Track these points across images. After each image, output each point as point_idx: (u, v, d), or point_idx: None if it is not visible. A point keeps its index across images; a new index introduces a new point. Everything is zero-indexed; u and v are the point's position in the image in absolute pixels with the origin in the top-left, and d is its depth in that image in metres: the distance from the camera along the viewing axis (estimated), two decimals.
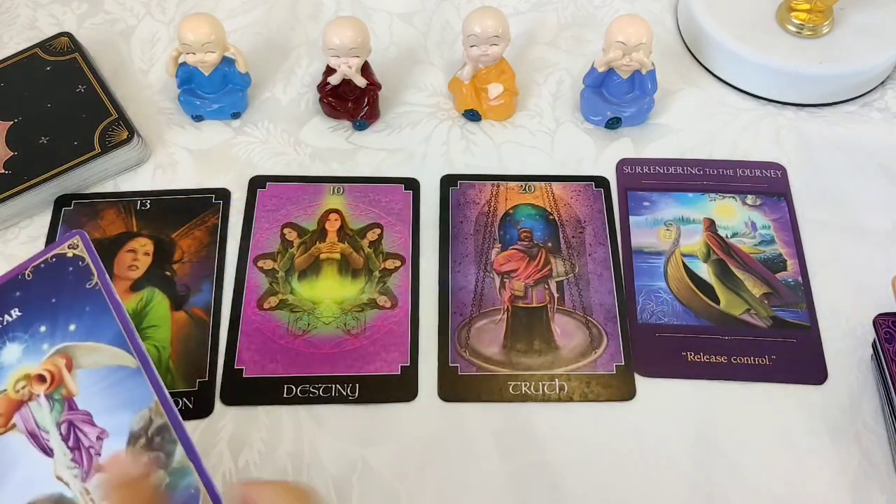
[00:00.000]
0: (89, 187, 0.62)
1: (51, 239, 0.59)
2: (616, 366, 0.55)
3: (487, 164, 0.64)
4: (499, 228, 0.61)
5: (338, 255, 0.59)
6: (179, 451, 0.38)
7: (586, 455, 0.52)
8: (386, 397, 0.54)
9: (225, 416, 0.53)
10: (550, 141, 0.66)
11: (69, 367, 0.41)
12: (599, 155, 0.65)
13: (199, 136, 0.65)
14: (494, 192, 0.62)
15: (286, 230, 0.60)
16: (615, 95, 0.65)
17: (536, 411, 0.53)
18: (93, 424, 0.40)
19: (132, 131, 0.62)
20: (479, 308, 0.57)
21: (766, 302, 0.58)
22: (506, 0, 0.74)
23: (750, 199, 0.62)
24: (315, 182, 0.63)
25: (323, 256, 0.59)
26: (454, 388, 0.54)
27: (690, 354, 0.55)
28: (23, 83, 0.65)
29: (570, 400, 0.54)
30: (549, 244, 0.60)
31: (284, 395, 0.53)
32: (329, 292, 0.58)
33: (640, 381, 0.55)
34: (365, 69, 0.63)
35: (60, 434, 0.40)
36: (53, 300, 0.42)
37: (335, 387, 0.54)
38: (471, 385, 0.54)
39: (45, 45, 0.67)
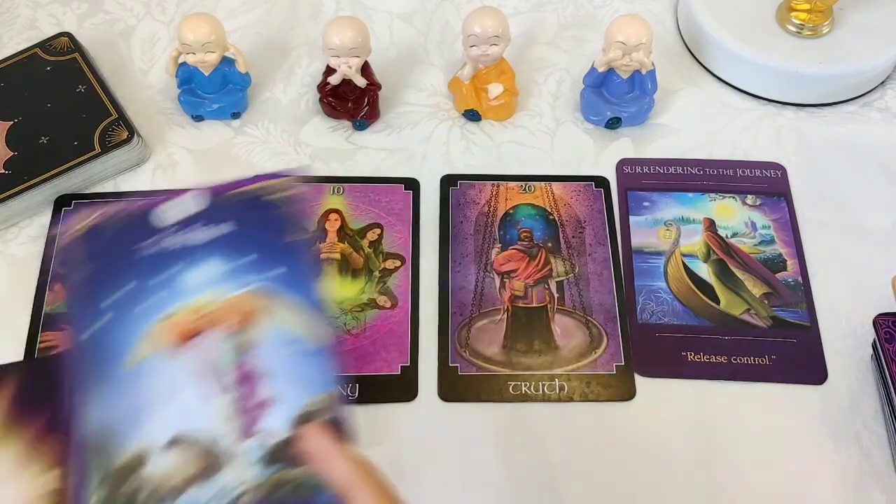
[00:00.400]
0: (89, 187, 0.62)
1: (51, 239, 0.59)
2: (616, 366, 0.55)
3: (487, 164, 0.64)
4: (499, 228, 0.61)
5: (338, 255, 0.59)
6: None
7: (586, 455, 0.52)
8: (386, 397, 0.54)
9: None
10: (550, 141, 0.66)
11: (263, 313, 0.37)
12: (599, 155, 0.65)
13: (199, 136, 0.65)
14: (494, 192, 0.62)
15: None
16: (615, 95, 0.65)
17: (536, 411, 0.53)
18: (266, 385, 0.36)
19: (132, 131, 0.62)
20: (479, 308, 0.57)
21: (766, 302, 0.58)
22: (506, 0, 0.74)
23: (750, 199, 0.62)
24: (315, 182, 0.63)
25: (323, 256, 0.59)
26: (454, 388, 0.54)
27: (690, 354, 0.55)
28: (23, 83, 0.65)
29: (570, 400, 0.54)
30: (549, 244, 0.60)
31: None
32: (329, 292, 0.58)
33: (640, 381, 0.55)
34: (365, 69, 0.63)
35: (233, 379, 0.36)
36: (270, 233, 0.38)
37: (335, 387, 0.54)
38: (471, 385, 0.54)
39: (45, 45, 0.67)
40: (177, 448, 0.35)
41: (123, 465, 0.35)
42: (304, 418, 0.36)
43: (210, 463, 0.35)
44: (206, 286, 0.37)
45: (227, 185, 0.38)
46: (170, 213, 0.38)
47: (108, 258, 0.38)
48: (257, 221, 0.38)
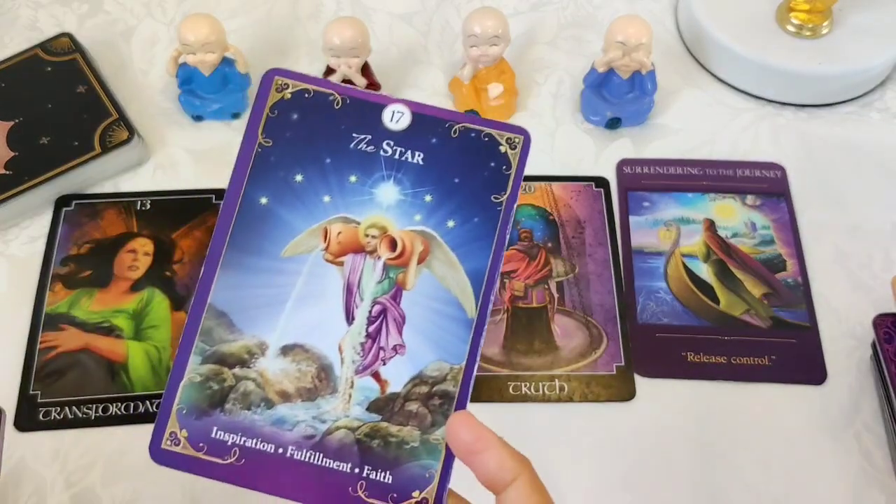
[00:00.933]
0: (90, 187, 0.62)
1: (51, 239, 0.59)
2: (616, 366, 0.55)
3: None
4: None
5: None
6: (444, 430, 0.34)
7: (587, 455, 0.52)
8: None
9: None
10: (550, 141, 0.66)
11: (421, 259, 0.36)
12: (599, 155, 0.65)
13: (199, 136, 0.65)
14: None
15: None
16: (615, 95, 0.65)
17: (536, 411, 0.54)
18: (400, 331, 0.35)
19: (132, 131, 0.62)
20: None
21: (765, 302, 0.58)
22: (506, 0, 0.74)
23: (750, 199, 0.62)
24: None
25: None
26: None
27: (690, 354, 0.55)
28: (23, 84, 0.65)
29: (570, 400, 0.54)
30: (549, 244, 0.60)
31: None
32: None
33: (640, 382, 0.55)
34: (365, 69, 0.63)
35: (370, 312, 0.35)
36: (457, 179, 0.36)
37: None
38: None
39: (45, 45, 0.67)
40: (291, 356, 0.35)
41: (235, 351, 0.35)
42: (423, 381, 0.35)
43: (317, 385, 0.35)
44: (374, 209, 0.36)
45: (426, 109, 0.37)
46: (388, 116, 0.37)
47: (321, 131, 0.37)
48: (451, 159, 0.36)
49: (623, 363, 0.55)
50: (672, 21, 0.74)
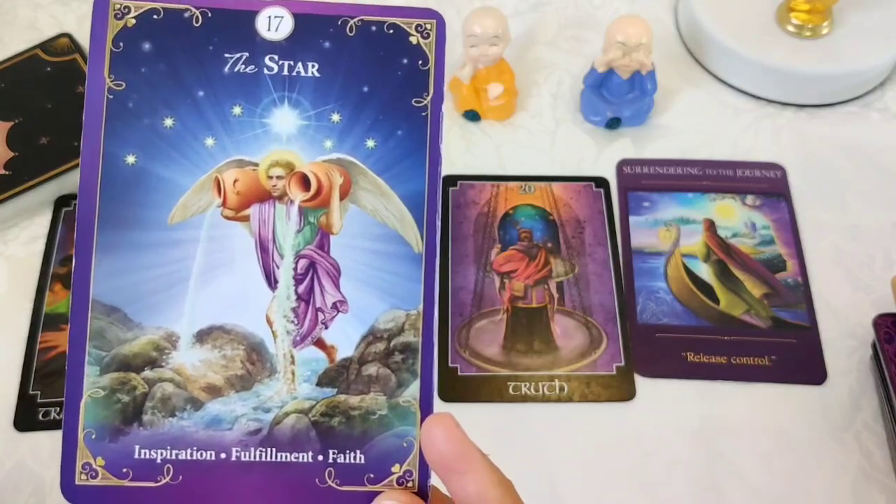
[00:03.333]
0: None
1: (51, 239, 0.59)
2: (616, 366, 0.55)
3: (487, 164, 0.64)
4: (498, 229, 0.61)
5: None
6: (413, 389, 0.29)
7: (586, 455, 0.52)
8: None
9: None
10: (550, 141, 0.66)
11: (343, 193, 0.29)
12: (599, 155, 0.65)
13: None
14: (494, 193, 0.62)
15: None
16: (615, 96, 0.65)
17: (536, 411, 0.53)
18: (336, 285, 0.29)
19: None
20: (478, 308, 0.57)
21: (765, 302, 0.58)
22: (506, 0, 0.74)
23: (750, 199, 0.62)
24: None
25: None
26: (454, 388, 0.54)
27: (690, 355, 0.55)
28: (23, 84, 0.65)
29: (570, 400, 0.54)
30: (549, 244, 0.60)
31: None
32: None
33: (640, 382, 0.55)
34: None
35: (295, 269, 0.29)
36: (365, 89, 0.30)
37: None
38: (471, 385, 0.54)
39: (45, 45, 0.67)
40: (210, 342, 0.29)
41: (138, 350, 0.29)
42: (377, 337, 0.29)
43: (250, 370, 0.29)
44: (272, 143, 0.29)
45: (314, 8, 0.30)
46: (262, 23, 0.29)
47: (183, 58, 0.29)
48: (354, 67, 0.30)
49: (623, 363, 0.55)
50: (672, 21, 0.74)
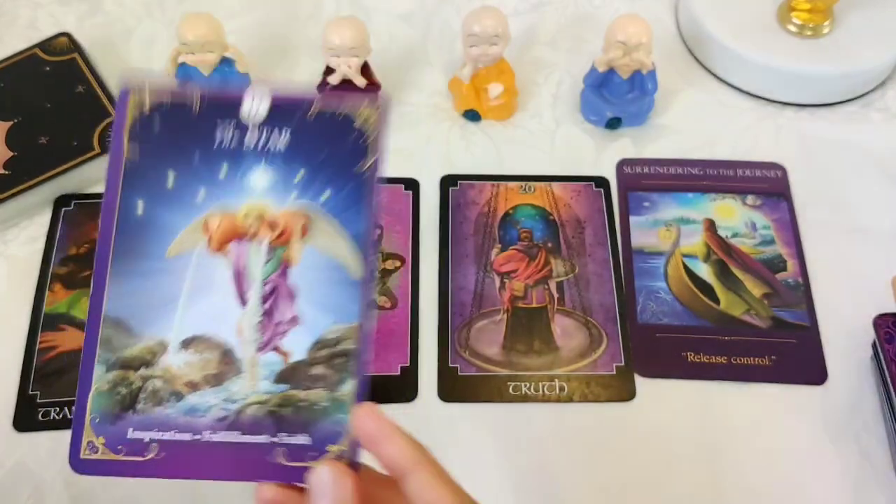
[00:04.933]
0: (89, 187, 0.62)
1: (51, 239, 0.59)
2: (616, 366, 0.55)
3: (487, 164, 0.64)
4: (499, 228, 0.61)
5: None
6: (350, 386, 0.36)
7: (586, 455, 0.52)
8: (386, 398, 0.54)
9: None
10: (550, 141, 0.66)
11: (303, 233, 0.37)
12: (599, 155, 0.65)
13: None
14: (494, 193, 0.62)
15: None
16: (615, 95, 0.65)
17: (536, 412, 0.53)
18: (293, 303, 0.37)
19: None
20: (478, 308, 0.57)
21: (766, 302, 0.57)
22: (506, 0, 0.74)
23: (750, 199, 0.62)
24: None
25: None
26: (454, 388, 0.54)
27: (690, 355, 0.55)
28: (22, 83, 0.65)
29: (570, 400, 0.54)
30: (549, 244, 0.60)
31: None
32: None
33: (640, 382, 0.55)
34: (365, 69, 0.63)
35: (262, 292, 0.37)
36: (323, 156, 0.38)
37: None
38: (471, 385, 0.54)
39: (44, 45, 0.67)
40: (193, 348, 0.37)
41: (136, 353, 0.36)
42: (323, 345, 0.36)
43: (222, 370, 0.36)
44: (249, 194, 0.37)
45: (284, 96, 0.38)
46: (246, 109, 0.38)
47: (184, 135, 0.38)
48: (315, 138, 0.38)
49: (623, 363, 0.55)
50: (672, 21, 0.74)
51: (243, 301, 0.37)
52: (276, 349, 0.37)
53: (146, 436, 0.36)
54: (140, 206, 0.37)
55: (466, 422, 0.53)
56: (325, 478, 0.33)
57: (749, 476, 0.51)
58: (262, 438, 0.36)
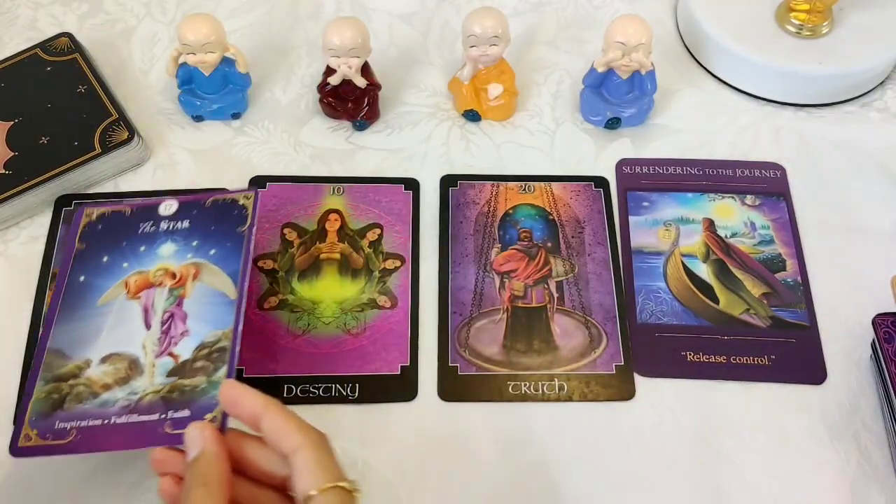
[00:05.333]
0: (89, 187, 0.62)
1: (51, 239, 0.59)
2: (615, 366, 0.55)
3: (487, 164, 0.64)
4: (498, 228, 0.61)
5: (338, 255, 0.59)
6: (223, 371, 0.47)
7: (586, 455, 0.52)
8: (386, 397, 0.54)
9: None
10: (550, 141, 0.66)
11: (195, 277, 0.52)
12: (599, 155, 0.65)
13: (199, 137, 0.65)
14: (494, 192, 0.62)
15: (286, 230, 0.60)
16: (615, 96, 0.65)
17: (536, 411, 0.54)
18: (184, 323, 0.50)
19: (132, 132, 0.62)
20: (478, 308, 0.57)
21: (765, 302, 0.58)
22: (506, 0, 0.74)
23: (749, 199, 0.62)
24: (315, 182, 0.63)
25: (323, 256, 0.59)
26: (454, 388, 0.54)
27: (690, 354, 0.55)
28: (23, 83, 0.65)
29: (570, 400, 0.54)
30: (549, 244, 0.60)
31: (284, 395, 0.54)
32: (329, 292, 0.58)
33: (640, 381, 0.55)
34: (365, 69, 0.63)
35: (162, 318, 0.51)
36: (213, 227, 0.54)
37: (335, 387, 0.54)
38: (470, 385, 0.54)
39: (45, 45, 0.67)
40: (109, 362, 0.49)
41: (67, 371, 0.49)
42: (204, 346, 0.49)
43: (128, 374, 0.49)
44: (158, 260, 0.53)
45: (190, 196, 0.56)
46: (162, 209, 0.55)
47: (117, 231, 0.55)
48: (208, 219, 0.54)
49: (623, 363, 0.55)
50: (672, 21, 0.74)
51: (148, 326, 0.50)
52: (170, 354, 0.49)
53: (67, 425, 0.47)
54: (82, 278, 0.53)
55: (466, 421, 0.53)
56: (193, 433, 0.42)
57: (748, 475, 0.51)
58: (154, 416, 0.47)
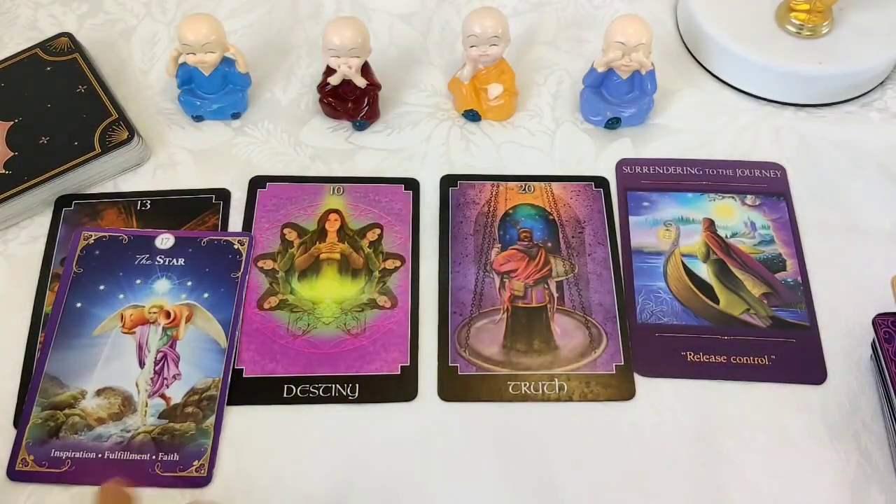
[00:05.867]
0: (89, 187, 0.62)
1: (51, 239, 0.59)
2: (616, 366, 0.55)
3: (487, 164, 0.64)
4: (498, 228, 0.61)
5: (338, 256, 0.59)
6: (212, 419, 0.52)
7: (586, 455, 0.52)
8: (386, 397, 0.54)
9: (225, 416, 0.53)
10: (550, 141, 0.66)
11: (188, 319, 0.55)
12: (599, 155, 0.65)
13: (199, 137, 0.65)
14: (494, 192, 0.62)
15: (286, 230, 0.60)
16: (615, 96, 0.65)
17: (536, 411, 0.54)
18: (177, 365, 0.53)
19: (132, 131, 0.62)
20: (478, 308, 0.57)
21: (765, 302, 0.58)
22: (506, 0, 0.74)
23: (749, 199, 0.62)
24: (315, 182, 0.63)
25: (323, 256, 0.59)
26: (454, 388, 0.54)
27: (690, 354, 0.55)
28: (23, 83, 0.65)
29: (570, 400, 0.54)
30: (549, 244, 0.60)
31: (284, 395, 0.54)
32: (329, 292, 0.58)
33: (640, 381, 0.55)
34: (365, 69, 0.63)
35: (155, 357, 0.54)
36: (207, 269, 0.57)
37: (335, 387, 0.54)
38: (470, 385, 0.54)
39: (45, 45, 0.67)
40: (103, 396, 0.52)
41: (62, 399, 0.52)
42: (195, 392, 0.53)
43: (122, 410, 0.52)
44: (153, 296, 0.56)
45: (186, 233, 0.59)
46: (158, 242, 0.58)
47: (114, 258, 0.58)
48: (203, 259, 0.57)
49: (623, 363, 0.55)
50: (672, 21, 0.74)
51: (141, 364, 0.53)
52: (161, 396, 0.53)
53: (63, 454, 0.50)
54: (79, 304, 0.55)
55: (466, 421, 0.53)
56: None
57: (749, 475, 0.51)
58: (146, 456, 0.51)
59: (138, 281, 0.56)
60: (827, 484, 0.51)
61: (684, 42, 0.72)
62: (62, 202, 0.61)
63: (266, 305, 0.57)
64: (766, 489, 0.51)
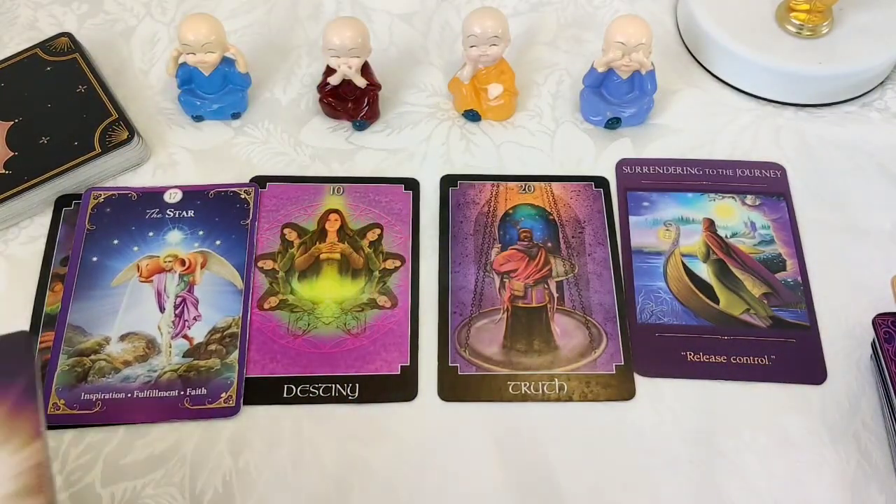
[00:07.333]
0: (89, 187, 0.62)
1: (51, 239, 0.59)
2: (616, 366, 0.55)
3: (487, 164, 0.64)
4: (498, 228, 0.61)
5: (338, 256, 0.59)
6: (235, 355, 0.54)
7: (586, 455, 0.52)
8: (386, 397, 0.54)
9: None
10: (550, 141, 0.66)
11: (203, 266, 0.57)
12: (599, 155, 0.65)
13: (199, 137, 0.65)
14: (494, 192, 0.62)
15: (286, 230, 0.60)
16: (615, 96, 0.65)
17: (536, 411, 0.54)
18: (196, 307, 0.56)
19: (132, 131, 0.62)
20: (478, 308, 0.57)
21: (765, 302, 0.58)
22: (506, 0, 0.74)
23: (749, 199, 0.62)
24: (315, 182, 0.63)
25: (323, 256, 0.59)
26: (454, 388, 0.54)
27: (690, 354, 0.55)
28: (23, 83, 0.65)
29: (570, 400, 0.54)
30: (549, 244, 0.60)
31: (284, 395, 0.54)
32: (329, 292, 0.58)
33: (640, 381, 0.55)
34: (365, 69, 0.63)
35: (175, 302, 0.56)
36: (217, 219, 0.59)
37: (335, 387, 0.54)
38: (470, 385, 0.54)
39: (45, 45, 0.67)
40: (127, 340, 0.55)
41: (88, 346, 0.54)
42: (216, 331, 0.55)
43: (147, 352, 0.54)
44: (167, 246, 0.58)
45: (193, 187, 0.61)
46: (167, 197, 0.60)
47: (125, 214, 0.60)
48: (212, 209, 0.60)
49: (623, 363, 0.55)
50: (672, 21, 0.74)
51: (161, 309, 0.56)
52: (184, 336, 0.55)
53: (93, 397, 0.52)
54: (95, 258, 0.57)
55: (466, 421, 0.53)
56: None
57: (748, 476, 0.51)
58: (174, 393, 0.53)
59: (151, 233, 0.58)
60: (827, 484, 0.51)
61: (684, 42, 0.72)
62: (62, 202, 0.61)
63: (266, 305, 0.57)
64: (766, 489, 0.51)
